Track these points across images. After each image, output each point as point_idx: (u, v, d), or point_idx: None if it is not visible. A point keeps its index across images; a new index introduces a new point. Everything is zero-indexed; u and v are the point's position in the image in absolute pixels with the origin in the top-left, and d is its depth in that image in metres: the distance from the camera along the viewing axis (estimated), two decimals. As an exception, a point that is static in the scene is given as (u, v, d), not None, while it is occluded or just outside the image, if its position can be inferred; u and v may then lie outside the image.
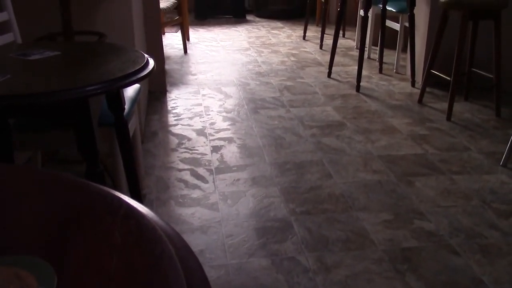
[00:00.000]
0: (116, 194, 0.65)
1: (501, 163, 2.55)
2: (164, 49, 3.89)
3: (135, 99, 2.05)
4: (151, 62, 1.46)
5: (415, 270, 1.76)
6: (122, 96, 1.71)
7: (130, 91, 2.06)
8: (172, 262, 0.54)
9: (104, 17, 2.64)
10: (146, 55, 1.50)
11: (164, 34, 5.56)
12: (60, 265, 0.53)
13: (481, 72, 3.31)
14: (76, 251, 0.55)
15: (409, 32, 3.73)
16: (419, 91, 3.49)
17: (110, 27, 2.64)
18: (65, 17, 2.35)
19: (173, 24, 4.98)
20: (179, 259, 0.55)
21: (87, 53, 1.57)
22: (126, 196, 0.65)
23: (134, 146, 2.12)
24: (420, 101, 3.44)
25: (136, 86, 2.14)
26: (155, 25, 3.52)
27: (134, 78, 1.32)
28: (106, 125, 1.80)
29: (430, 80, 3.43)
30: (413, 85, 3.79)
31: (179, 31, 5.23)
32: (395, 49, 4.22)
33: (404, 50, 4.29)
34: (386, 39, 4.23)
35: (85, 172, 1.48)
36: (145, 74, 1.37)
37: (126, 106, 1.87)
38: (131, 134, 1.95)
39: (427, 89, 3.59)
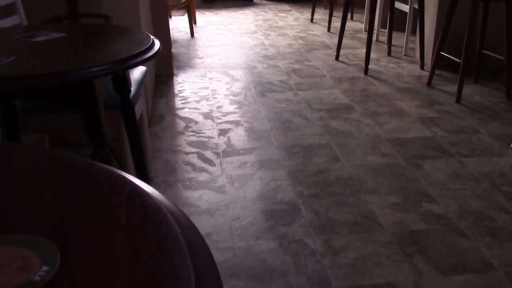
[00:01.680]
0: (121, 174, 0.64)
1: (511, 146, 2.52)
2: (170, 32, 3.87)
3: (142, 82, 2.03)
4: (157, 43, 1.44)
5: (424, 253, 1.75)
6: (128, 78, 1.70)
7: (136, 74, 2.05)
8: (177, 242, 0.53)
9: (110, 0, 2.62)
10: (152, 36, 1.48)
11: (170, 17, 5.52)
12: (65, 244, 0.52)
13: (491, 54, 3.26)
14: (81, 231, 0.54)
15: (419, 13, 3.68)
16: (428, 73, 3.45)
17: (116, 10, 2.62)
18: (71, 0, 2.33)
19: (179, 7, 4.94)
20: (185, 239, 0.54)
21: (92, 34, 1.56)
22: (130, 176, 0.64)
23: (141, 129, 2.11)
24: (429, 83, 3.40)
25: (143, 68, 2.13)
26: (162, 8, 3.49)
27: (140, 58, 1.31)
28: (112, 107, 1.79)
29: (439, 63, 3.39)
30: (422, 67, 3.74)
31: (186, 14, 5.20)
32: (404, 31, 4.17)
33: (413, 32, 4.24)
34: (395, 21, 4.18)
35: (91, 154, 1.47)
36: (151, 55, 1.35)
37: (133, 89, 1.86)
38: (137, 117, 1.94)
39: (436, 72, 3.55)
